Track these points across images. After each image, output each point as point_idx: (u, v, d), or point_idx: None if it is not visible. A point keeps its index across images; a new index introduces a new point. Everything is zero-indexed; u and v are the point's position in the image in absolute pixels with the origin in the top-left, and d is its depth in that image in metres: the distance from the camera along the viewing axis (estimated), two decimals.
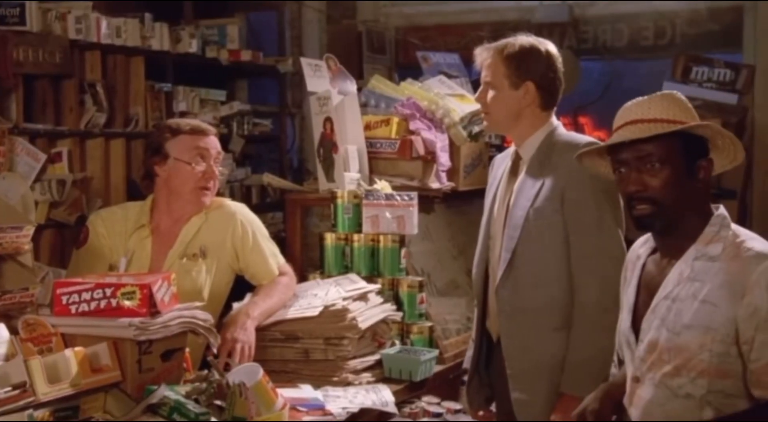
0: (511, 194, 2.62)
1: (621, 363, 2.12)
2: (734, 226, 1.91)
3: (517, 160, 2.66)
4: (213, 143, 2.75)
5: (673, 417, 1.86)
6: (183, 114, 4.74)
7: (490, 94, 2.63)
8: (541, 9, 5.59)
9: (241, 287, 2.83)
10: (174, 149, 2.69)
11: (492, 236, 2.67)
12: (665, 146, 1.87)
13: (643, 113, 1.90)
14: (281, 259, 2.85)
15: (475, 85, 4.62)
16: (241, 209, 2.82)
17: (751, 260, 1.82)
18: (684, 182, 1.88)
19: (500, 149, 3.73)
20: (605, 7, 5.58)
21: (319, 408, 2.26)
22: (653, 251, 1.99)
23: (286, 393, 2.18)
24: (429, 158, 3.39)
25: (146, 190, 2.80)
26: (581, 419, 1.99)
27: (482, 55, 2.65)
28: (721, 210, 1.93)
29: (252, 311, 2.58)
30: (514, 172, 2.66)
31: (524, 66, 2.58)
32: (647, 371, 1.90)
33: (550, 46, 2.63)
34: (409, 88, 3.68)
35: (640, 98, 1.96)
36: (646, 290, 1.96)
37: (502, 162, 2.77)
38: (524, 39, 2.62)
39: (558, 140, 2.60)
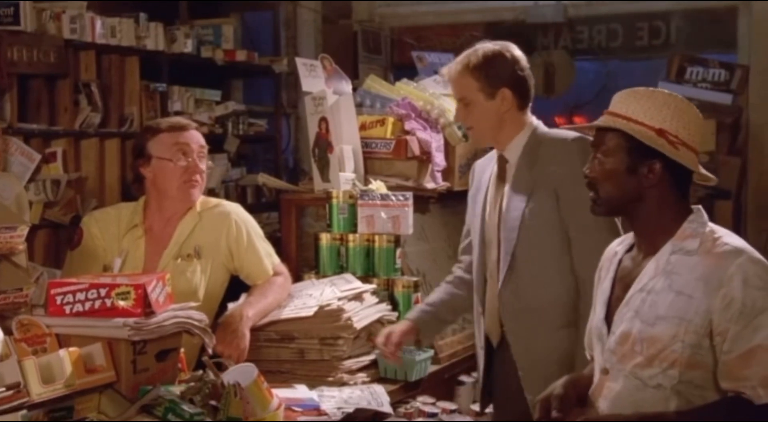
0: (502, 198, 2.60)
1: (592, 359, 2.12)
2: (711, 224, 1.95)
3: (502, 164, 2.63)
4: (193, 137, 2.74)
5: (642, 408, 1.89)
6: (178, 114, 4.72)
7: (468, 109, 2.60)
8: (536, 9, 5.59)
9: (236, 287, 2.83)
10: (155, 148, 2.70)
11: (487, 242, 2.64)
12: (614, 140, 1.94)
13: (620, 108, 1.97)
14: (276, 259, 2.85)
15: None
16: (235, 209, 2.81)
17: (728, 254, 1.85)
18: (624, 179, 1.93)
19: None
20: (600, 7, 5.58)
21: (314, 408, 2.26)
22: (629, 249, 2.04)
23: (280, 394, 2.18)
24: (424, 158, 3.40)
25: (138, 193, 2.81)
26: (545, 404, 1.99)
27: (449, 73, 2.64)
28: (699, 209, 1.97)
29: (248, 312, 2.58)
30: (501, 176, 2.63)
31: (493, 74, 2.56)
32: (617, 363, 1.93)
33: (512, 48, 2.61)
34: (404, 88, 3.68)
35: (635, 90, 2.00)
36: (621, 284, 1.99)
37: (486, 167, 2.74)
38: (485, 47, 2.60)
39: (543, 138, 2.59)
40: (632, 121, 1.93)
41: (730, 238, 1.90)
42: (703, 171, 1.96)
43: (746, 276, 1.80)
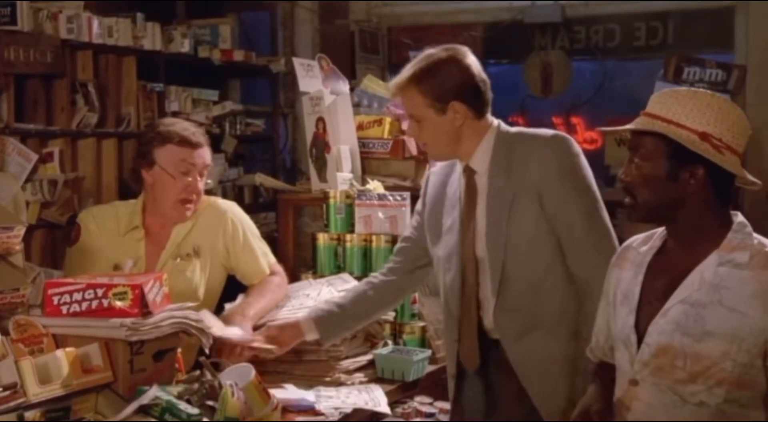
0: (476, 212, 2.40)
1: (602, 364, 2.07)
2: (757, 235, 1.87)
3: (470, 175, 2.42)
4: (201, 155, 2.69)
5: None
6: (175, 114, 4.72)
7: (420, 126, 2.39)
8: (534, 9, 5.59)
9: (233, 287, 2.83)
10: (161, 157, 2.65)
11: (464, 263, 2.41)
12: (653, 144, 1.84)
13: (659, 109, 1.87)
14: (272, 258, 2.85)
15: None
16: (231, 208, 2.81)
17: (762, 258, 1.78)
18: (664, 185, 1.84)
19: None
20: (597, 8, 5.58)
21: (309, 408, 2.25)
22: (659, 251, 1.94)
23: (276, 394, 2.18)
24: (421, 158, 3.40)
25: (136, 185, 2.78)
26: (586, 419, 1.96)
27: (396, 88, 2.41)
28: (741, 218, 1.89)
29: (247, 311, 2.58)
30: (471, 189, 2.41)
31: (440, 88, 2.34)
32: (650, 375, 1.85)
33: (461, 53, 2.39)
34: None
35: (676, 90, 1.93)
36: (653, 291, 1.90)
37: (447, 178, 2.51)
38: (430, 58, 2.38)
39: (513, 139, 2.41)
40: (673, 123, 1.83)
41: None
42: (749, 177, 1.87)
43: None
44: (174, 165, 2.65)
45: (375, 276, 2.68)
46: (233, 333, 2.46)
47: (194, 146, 2.67)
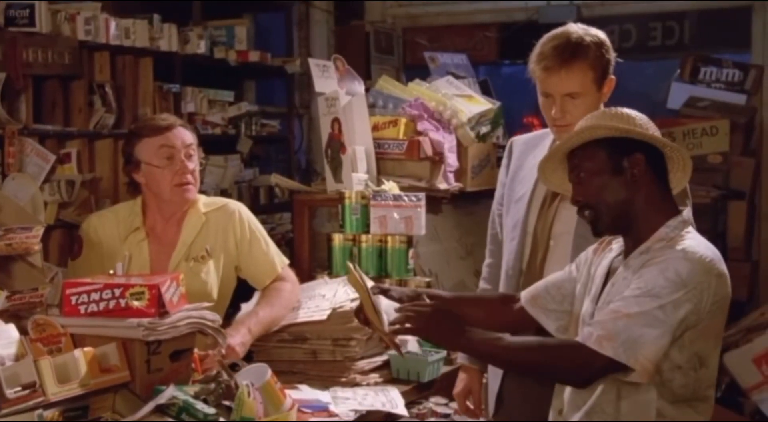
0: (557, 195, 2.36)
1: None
2: (691, 233, 1.95)
3: None
4: (178, 136, 2.65)
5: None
6: (191, 115, 4.75)
7: (575, 104, 2.34)
8: (549, 9, 5.58)
9: (246, 286, 2.83)
10: (142, 153, 2.64)
11: (537, 238, 2.40)
12: (590, 151, 1.96)
13: (582, 126, 2.00)
14: (285, 260, 2.83)
15: (482, 85, 4.63)
16: (240, 208, 2.80)
17: (673, 249, 1.88)
18: (612, 182, 1.95)
19: None
20: (613, 8, 5.56)
21: (323, 409, 2.26)
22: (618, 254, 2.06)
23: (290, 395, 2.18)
24: (437, 159, 3.40)
25: (134, 195, 2.76)
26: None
27: (569, 65, 2.32)
28: (685, 213, 1.98)
29: (252, 326, 2.55)
30: None
31: (607, 63, 2.37)
32: None
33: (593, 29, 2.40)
34: (416, 89, 3.69)
35: (592, 113, 2.07)
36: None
37: (531, 151, 2.50)
38: (587, 32, 2.37)
39: None
40: (600, 127, 1.95)
41: (696, 240, 1.91)
42: (689, 161, 1.97)
43: (666, 266, 1.85)
44: (155, 155, 2.62)
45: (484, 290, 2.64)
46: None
47: (165, 128, 2.64)
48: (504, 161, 2.62)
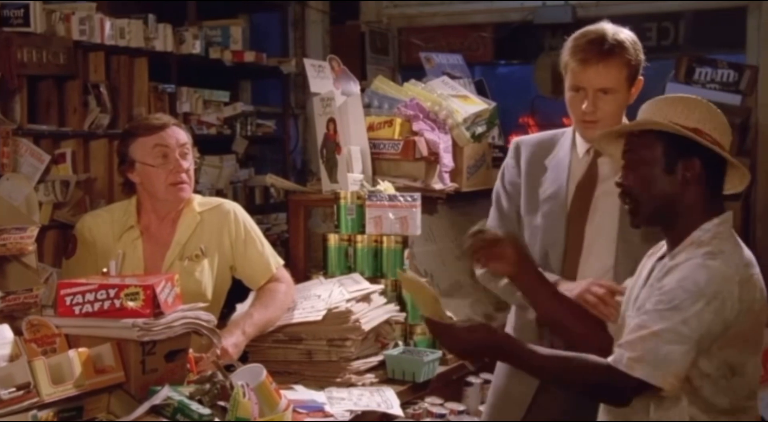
0: (592, 197, 2.36)
1: None
2: (724, 237, 1.91)
3: (595, 158, 2.38)
4: (172, 135, 2.65)
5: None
6: (186, 115, 4.75)
7: (606, 100, 2.31)
8: (544, 10, 5.59)
9: (241, 286, 2.82)
10: (136, 153, 2.64)
11: (568, 244, 2.37)
12: (648, 142, 1.93)
13: (650, 114, 1.96)
14: (280, 260, 2.82)
15: (478, 86, 4.63)
16: (235, 208, 2.79)
17: (696, 254, 1.87)
18: (662, 180, 1.92)
19: (503, 149, 3.71)
20: (608, 8, 5.57)
21: (318, 409, 2.26)
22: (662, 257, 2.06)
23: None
24: (432, 159, 3.40)
25: (129, 195, 2.76)
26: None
27: (606, 59, 2.29)
28: (722, 217, 1.94)
29: (247, 327, 2.54)
30: (593, 173, 2.38)
31: (639, 62, 2.35)
32: None
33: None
34: (412, 89, 3.68)
35: (663, 97, 2.01)
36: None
37: (546, 154, 2.47)
38: (619, 29, 2.36)
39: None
40: (668, 120, 1.92)
41: (723, 243, 1.89)
42: (746, 172, 1.94)
43: (684, 275, 1.84)
44: (149, 154, 2.63)
45: None
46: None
47: (159, 128, 2.65)
48: (510, 162, 2.57)
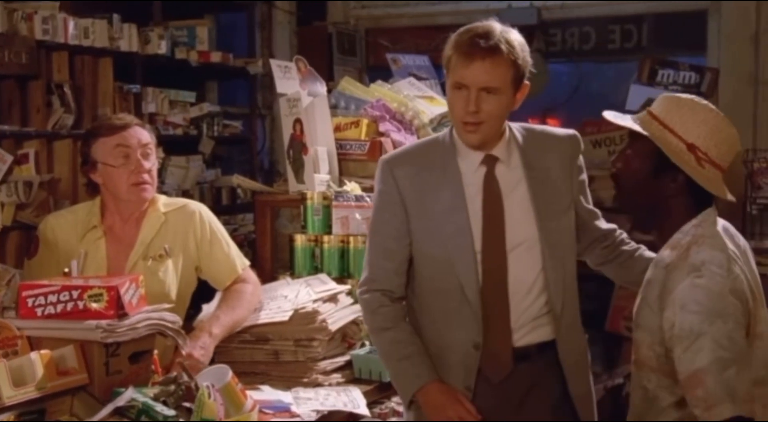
0: (501, 205, 2.20)
1: None
2: (703, 227, 1.95)
3: (492, 165, 2.23)
4: (134, 135, 2.64)
5: (636, 406, 2.02)
6: (152, 115, 4.72)
7: (490, 99, 2.15)
8: (510, 12, 5.62)
9: (207, 287, 2.81)
10: (98, 153, 2.64)
11: (489, 259, 2.19)
12: (647, 142, 1.98)
13: (660, 111, 2.01)
14: (245, 261, 2.82)
15: (444, 87, 4.65)
16: (201, 208, 2.79)
17: (682, 271, 1.90)
18: (646, 180, 1.98)
19: None
20: (573, 10, 5.63)
21: (285, 409, 2.26)
22: None
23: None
24: None
25: (93, 196, 2.75)
26: None
27: (489, 53, 2.13)
28: (699, 218, 1.97)
29: (214, 329, 2.53)
30: (492, 180, 2.21)
31: (523, 64, 2.19)
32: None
33: (513, 33, 2.22)
34: (378, 90, 3.69)
35: (680, 98, 2.02)
36: None
37: (418, 170, 2.25)
38: (509, 31, 2.21)
39: (525, 126, 2.32)
40: (668, 129, 1.96)
41: (701, 248, 1.91)
42: (728, 195, 1.97)
43: (684, 302, 1.85)
44: (111, 155, 2.62)
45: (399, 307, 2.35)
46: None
47: (121, 128, 2.64)
48: (381, 188, 2.30)
